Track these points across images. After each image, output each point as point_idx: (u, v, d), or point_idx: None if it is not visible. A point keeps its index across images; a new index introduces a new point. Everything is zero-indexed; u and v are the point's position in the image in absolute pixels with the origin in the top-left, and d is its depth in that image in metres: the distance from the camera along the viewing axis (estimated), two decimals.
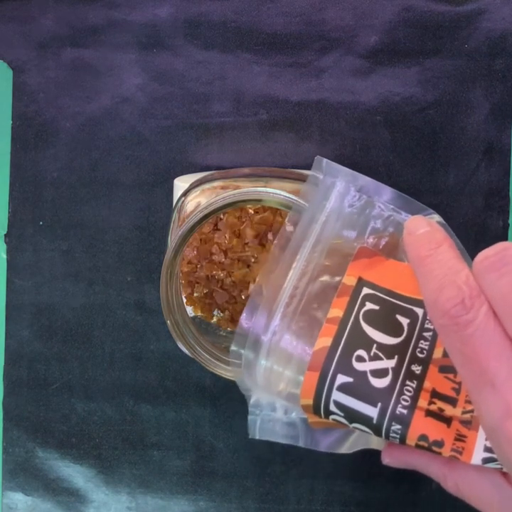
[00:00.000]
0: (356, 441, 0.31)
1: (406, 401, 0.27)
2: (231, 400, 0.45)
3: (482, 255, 0.24)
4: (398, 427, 0.27)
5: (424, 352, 0.28)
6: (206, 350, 0.37)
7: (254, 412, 0.32)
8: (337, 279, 0.31)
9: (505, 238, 0.44)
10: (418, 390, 0.28)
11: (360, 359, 0.28)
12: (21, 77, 0.44)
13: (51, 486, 0.46)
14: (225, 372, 0.36)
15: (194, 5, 0.43)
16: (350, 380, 0.28)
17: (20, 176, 0.45)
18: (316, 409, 0.29)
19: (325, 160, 0.32)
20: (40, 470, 0.46)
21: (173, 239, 0.35)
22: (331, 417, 0.29)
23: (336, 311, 0.29)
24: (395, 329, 0.29)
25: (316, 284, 0.31)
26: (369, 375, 0.28)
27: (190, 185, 0.39)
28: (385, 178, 0.43)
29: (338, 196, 0.32)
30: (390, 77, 0.43)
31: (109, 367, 0.45)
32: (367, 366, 0.28)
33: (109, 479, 0.46)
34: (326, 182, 0.32)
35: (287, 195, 0.34)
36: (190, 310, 0.42)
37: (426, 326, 0.29)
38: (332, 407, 0.28)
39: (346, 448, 0.31)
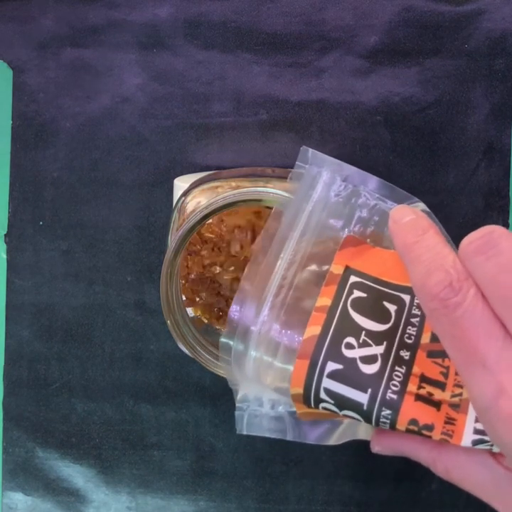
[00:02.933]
0: (344, 432, 0.31)
1: (395, 386, 0.28)
2: (231, 400, 0.45)
3: (468, 239, 0.24)
4: (388, 412, 0.27)
5: (412, 338, 0.29)
6: (206, 350, 0.37)
7: (242, 407, 0.32)
8: (325, 268, 0.31)
9: None
10: (407, 375, 0.28)
11: (349, 346, 0.28)
12: (21, 77, 0.44)
13: (51, 486, 0.46)
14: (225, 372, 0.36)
15: (194, 5, 0.43)
16: (340, 367, 0.28)
17: (20, 176, 0.45)
18: (306, 397, 0.29)
19: (310, 150, 0.32)
20: (40, 470, 0.46)
21: (173, 239, 0.35)
22: (322, 404, 0.29)
23: (324, 300, 0.29)
24: (382, 316, 0.29)
25: (304, 273, 0.31)
26: (358, 361, 0.28)
27: (190, 185, 0.39)
28: (385, 178, 0.43)
29: (324, 186, 0.32)
30: (390, 77, 0.43)
31: (109, 367, 0.45)
32: (356, 353, 0.28)
33: (109, 479, 0.46)
34: (312, 172, 0.32)
35: (287, 195, 0.34)
36: (190, 310, 0.42)
37: (413, 311, 0.29)
38: (322, 395, 0.28)
39: (334, 439, 0.31)
